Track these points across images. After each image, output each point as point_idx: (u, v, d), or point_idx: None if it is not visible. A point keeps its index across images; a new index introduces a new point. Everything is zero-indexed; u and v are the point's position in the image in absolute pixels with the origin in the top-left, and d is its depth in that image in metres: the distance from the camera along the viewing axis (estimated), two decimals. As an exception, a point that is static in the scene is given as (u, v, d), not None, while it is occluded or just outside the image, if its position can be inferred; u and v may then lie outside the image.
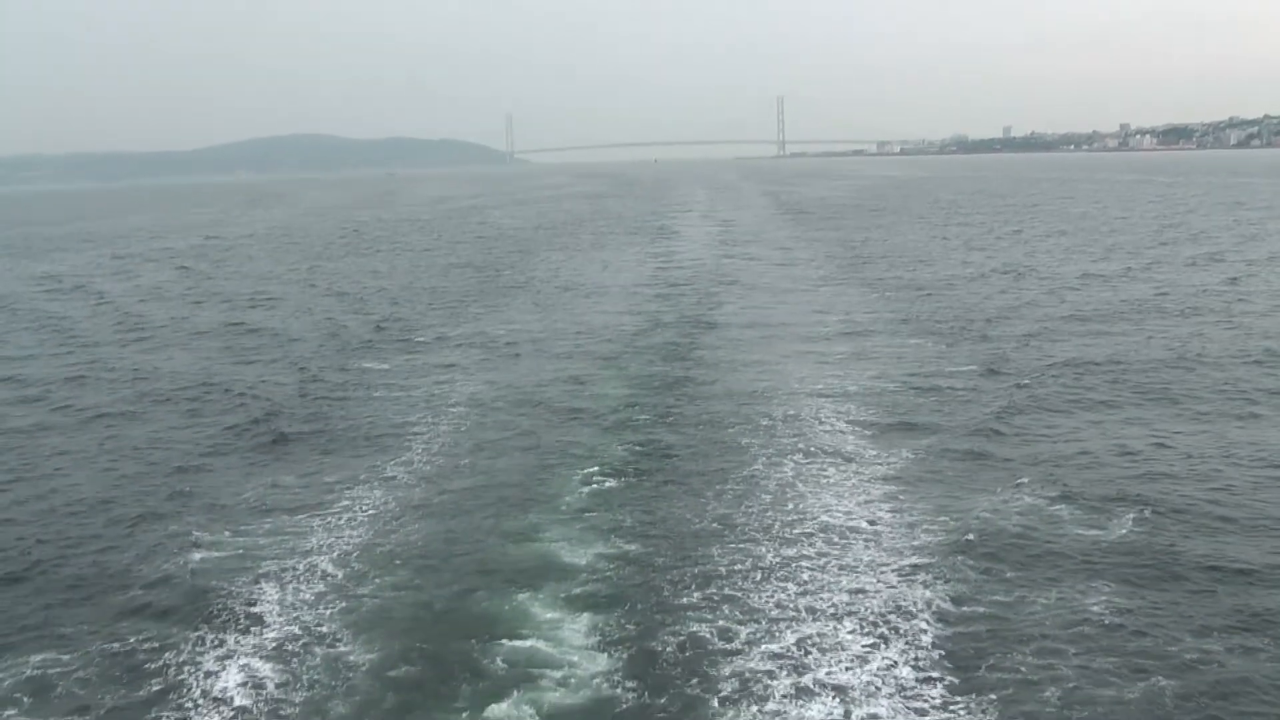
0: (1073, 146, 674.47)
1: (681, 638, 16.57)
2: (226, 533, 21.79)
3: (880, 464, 25.08)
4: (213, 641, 16.84)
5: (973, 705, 14.53)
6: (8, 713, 15.01)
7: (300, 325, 50.24)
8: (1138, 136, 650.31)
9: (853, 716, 14.34)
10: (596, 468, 25.39)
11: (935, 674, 15.32)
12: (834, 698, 14.75)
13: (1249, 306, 46.31)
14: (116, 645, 16.81)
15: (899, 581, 18.32)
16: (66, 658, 16.46)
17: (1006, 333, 41.74)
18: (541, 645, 16.49)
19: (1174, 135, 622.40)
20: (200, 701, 15.02)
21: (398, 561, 20.13)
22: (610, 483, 24.42)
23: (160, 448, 28.77)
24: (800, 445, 26.49)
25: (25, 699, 15.32)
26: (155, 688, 15.53)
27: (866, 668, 15.49)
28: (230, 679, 15.55)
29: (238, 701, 15.03)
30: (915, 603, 17.47)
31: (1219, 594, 17.61)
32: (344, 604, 18.14)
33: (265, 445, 28.72)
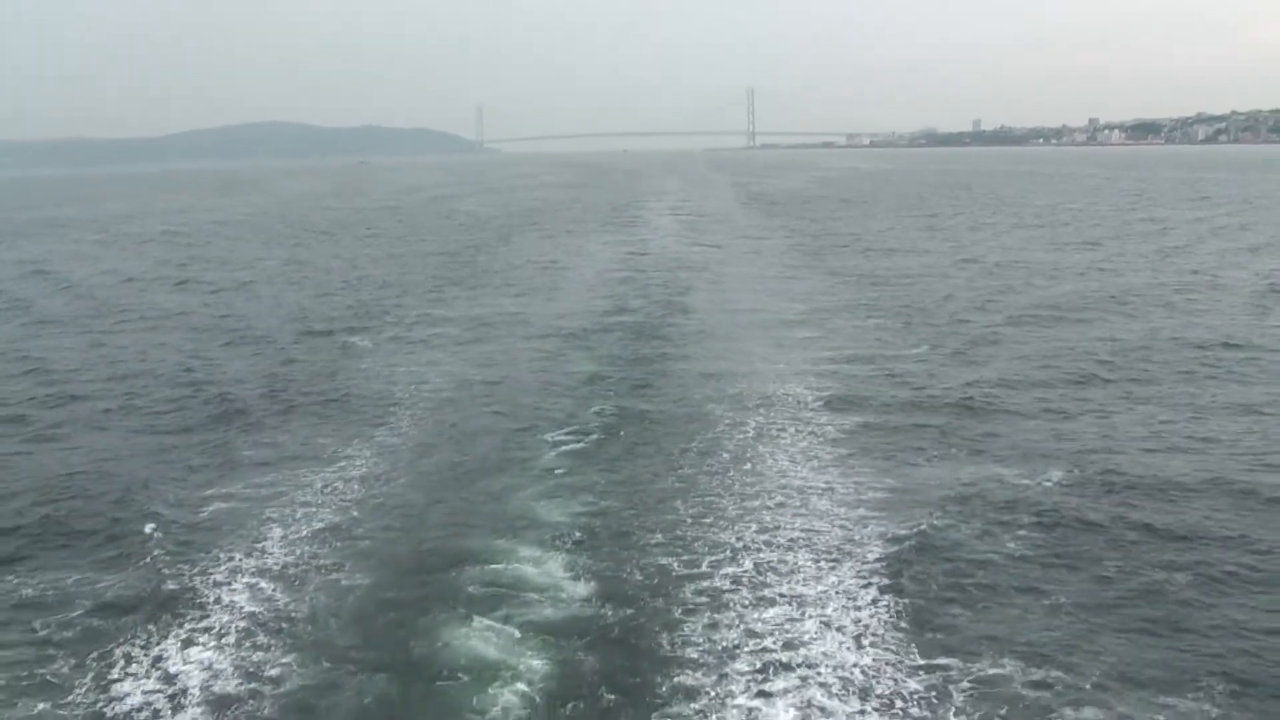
0: (1042, 141, 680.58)
1: (650, 569, 18.65)
2: (222, 500, 23.34)
3: (833, 430, 27.18)
4: (216, 578, 18.68)
5: (909, 607, 16.93)
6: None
7: (281, 308, 51.92)
8: (1106, 131, 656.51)
9: (806, 617, 16.58)
10: (569, 433, 27.42)
11: (876, 583, 17.85)
12: (789, 604, 17.08)
13: (1205, 295, 48.57)
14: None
15: (850, 524, 20.47)
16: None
17: (963, 315, 44.04)
18: (524, 573, 18.58)
19: (1142, 130, 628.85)
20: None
21: (387, 513, 22.03)
22: (582, 444, 26.47)
23: (136, 433, 29.27)
24: (762, 415, 28.58)
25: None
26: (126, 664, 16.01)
27: (819, 583, 17.83)
28: (239, 596, 17.78)
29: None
30: (864, 537, 19.75)
31: (1166, 554, 18.97)
32: (339, 545, 20.16)
33: (252, 415, 30.54)
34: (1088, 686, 14.68)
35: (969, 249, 70.67)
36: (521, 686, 14.90)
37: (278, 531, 20.86)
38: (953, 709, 14.13)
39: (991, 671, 14.97)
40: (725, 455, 25.10)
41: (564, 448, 26.26)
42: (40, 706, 14.86)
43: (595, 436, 27.17)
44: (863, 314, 44.93)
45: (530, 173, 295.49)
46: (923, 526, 20.10)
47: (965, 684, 14.66)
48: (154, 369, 37.71)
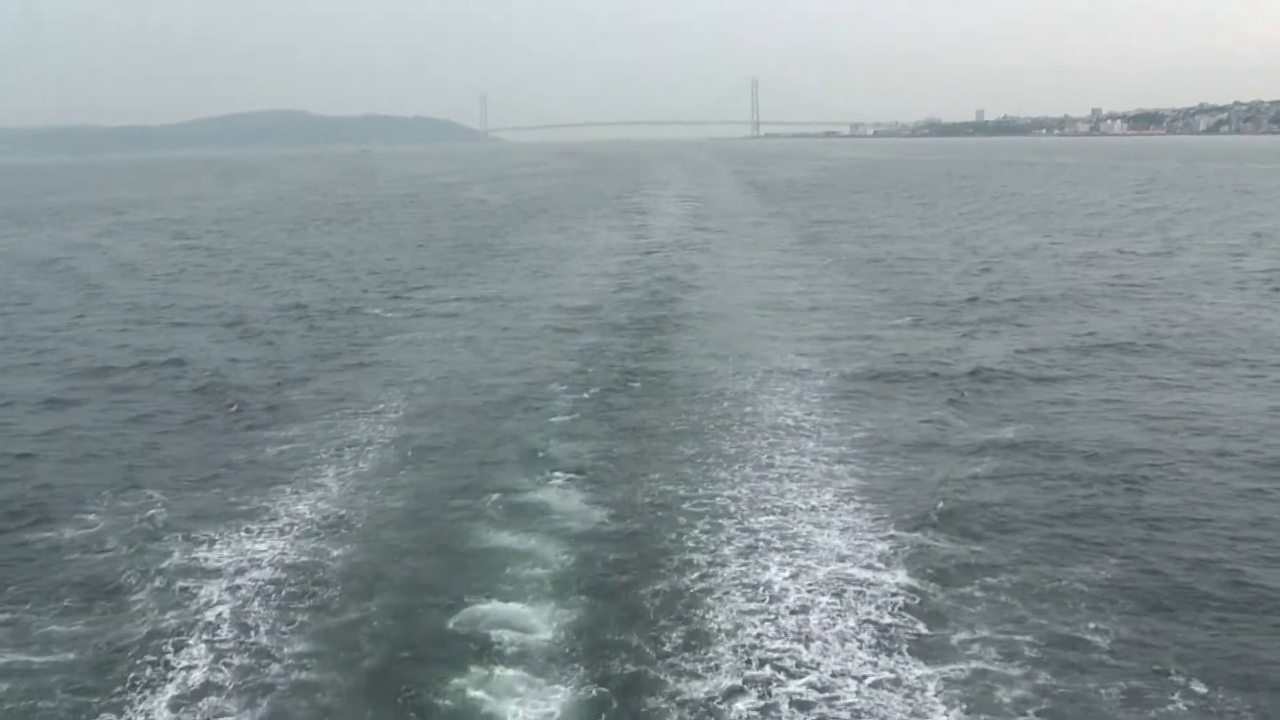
0: (1045, 131, 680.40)
1: (654, 493, 21.92)
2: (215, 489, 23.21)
3: (824, 387, 30.07)
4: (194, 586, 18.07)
5: (883, 520, 19.89)
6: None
7: (299, 290, 54.71)
8: (1109, 121, 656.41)
9: (795, 519, 19.90)
10: (580, 390, 30.44)
11: (858, 500, 21.17)
12: (781, 514, 20.48)
13: (1206, 286, 48.96)
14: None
15: (837, 468, 23.32)
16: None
17: (954, 295, 46.84)
18: (536, 498, 21.78)
19: (1144, 120, 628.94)
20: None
21: (392, 484, 23.38)
22: (590, 400, 29.50)
23: (143, 419, 29.35)
24: (760, 386, 31.40)
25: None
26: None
27: (806, 501, 21.12)
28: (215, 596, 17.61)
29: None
30: (847, 474, 22.71)
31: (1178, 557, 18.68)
32: (341, 524, 21.26)
33: (269, 388, 32.49)
34: (1094, 669, 14.96)
35: (966, 235, 73.46)
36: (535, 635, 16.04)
37: (291, 502, 22.12)
38: (949, 690, 14.41)
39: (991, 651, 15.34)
40: (725, 403, 28.50)
41: (573, 401, 29.44)
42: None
43: (601, 393, 30.18)
44: (855, 293, 47.68)
45: (535, 161, 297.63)
46: (925, 502, 21.57)
47: (960, 664, 15.00)
48: (180, 352, 39.33)
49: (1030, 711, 13.94)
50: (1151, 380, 30.93)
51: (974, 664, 15.06)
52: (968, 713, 13.89)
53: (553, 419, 27.66)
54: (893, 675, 14.76)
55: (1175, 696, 14.21)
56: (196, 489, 23.34)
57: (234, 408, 29.73)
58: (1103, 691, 14.37)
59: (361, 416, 28.56)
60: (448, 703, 14.54)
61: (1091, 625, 16.12)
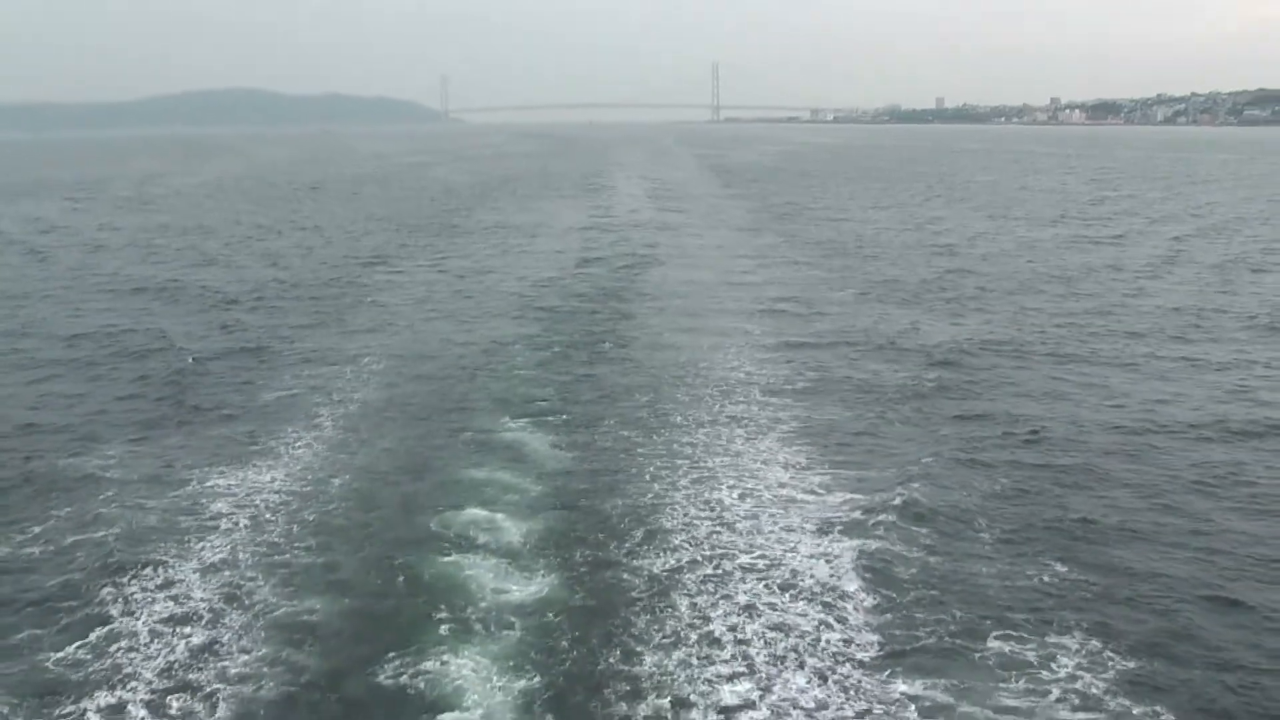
0: (1003, 119, 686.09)
1: (614, 434, 25.03)
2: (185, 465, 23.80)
3: (772, 348, 33.23)
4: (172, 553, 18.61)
5: (819, 457, 22.67)
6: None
7: (262, 268, 57.21)
8: (1067, 111, 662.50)
9: (744, 458, 22.79)
10: (545, 354, 33.35)
11: (799, 443, 24.11)
12: (734, 456, 23.30)
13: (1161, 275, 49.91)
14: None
15: (781, 414, 26.39)
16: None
17: (902, 277, 50.05)
18: (506, 436, 24.73)
19: (1103, 110, 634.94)
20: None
21: (379, 423, 26.31)
22: (556, 360, 32.42)
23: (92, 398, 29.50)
24: (712, 352, 34.30)
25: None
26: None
27: (753, 444, 24.17)
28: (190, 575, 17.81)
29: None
30: (789, 419, 25.72)
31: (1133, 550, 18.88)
32: (337, 455, 24.78)
33: (246, 351, 34.54)
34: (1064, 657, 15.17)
35: (919, 218, 77.01)
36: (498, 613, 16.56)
37: (291, 440, 24.73)
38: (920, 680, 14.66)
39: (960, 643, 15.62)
40: (679, 363, 31.52)
41: (539, 358, 32.53)
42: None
43: (565, 352, 33.23)
44: (807, 269, 50.87)
45: (497, 143, 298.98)
46: (856, 440, 24.92)
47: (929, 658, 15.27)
48: (180, 320, 41.67)
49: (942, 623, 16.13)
50: (1101, 360, 32.54)
51: (885, 563, 18.18)
52: (874, 597, 17.00)
53: (520, 372, 30.85)
54: (825, 552, 18.40)
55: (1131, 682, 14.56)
56: (210, 428, 26.27)
57: (228, 368, 32.40)
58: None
59: (348, 368, 31.55)
60: (437, 583, 17.50)
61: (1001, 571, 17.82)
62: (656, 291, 44.09)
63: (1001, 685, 14.48)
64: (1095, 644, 15.40)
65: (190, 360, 33.01)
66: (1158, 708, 13.92)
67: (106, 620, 16.42)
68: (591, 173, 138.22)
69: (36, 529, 19.93)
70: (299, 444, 24.69)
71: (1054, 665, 14.93)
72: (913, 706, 14.02)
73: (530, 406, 27.30)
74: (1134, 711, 13.85)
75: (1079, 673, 14.72)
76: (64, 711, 14.27)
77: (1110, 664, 14.93)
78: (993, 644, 15.53)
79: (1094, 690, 14.32)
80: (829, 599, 16.80)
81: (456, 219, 77.07)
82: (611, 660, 15.18)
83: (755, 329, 36.39)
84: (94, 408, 28.30)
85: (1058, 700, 14.12)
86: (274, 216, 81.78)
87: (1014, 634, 15.78)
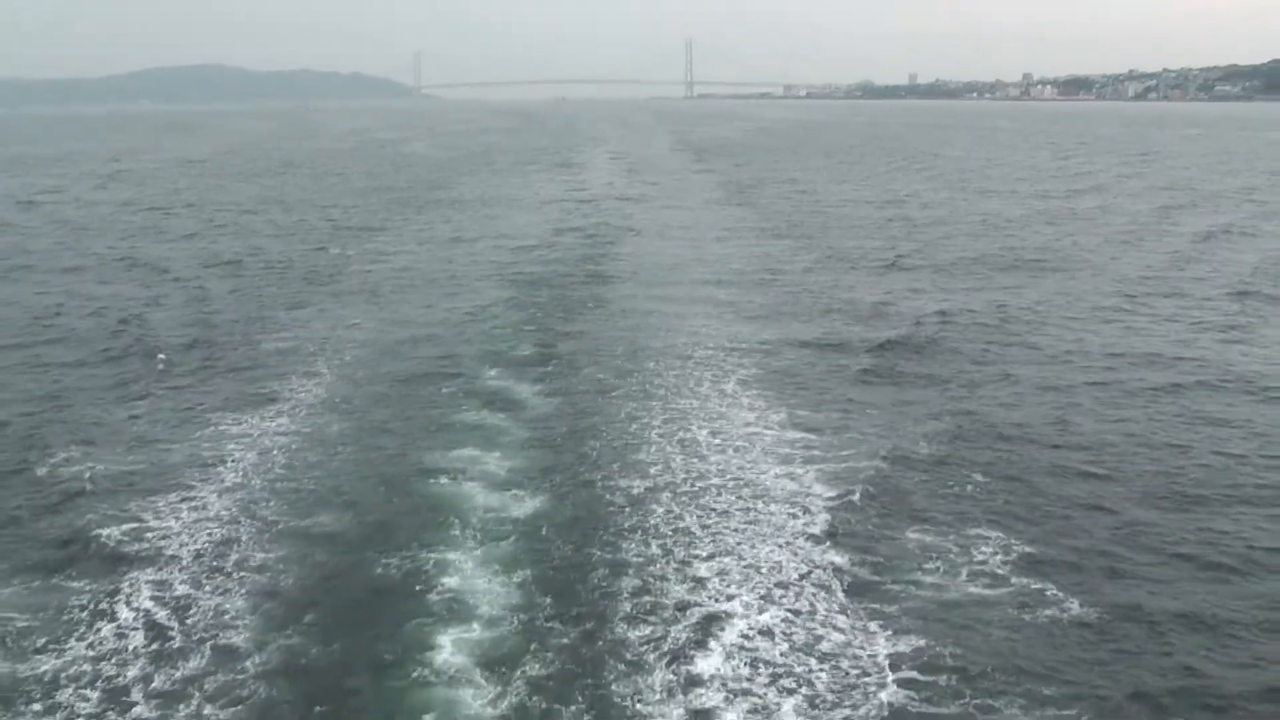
0: (976, 95, 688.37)
1: (591, 379, 27.50)
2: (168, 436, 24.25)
3: (738, 304, 35.68)
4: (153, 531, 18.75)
5: (780, 399, 25.06)
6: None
7: (263, 232, 59.39)
8: (1039, 86, 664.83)
9: (710, 401, 25.22)
10: (524, 312, 35.77)
11: (758, 387, 26.48)
12: (700, 399, 25.70)
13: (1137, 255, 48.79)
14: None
15: (744, 361, 28.80)
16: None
17: (871, 250, 52.61)
18: (488, 385, 27.03)
19: (1074, 86, 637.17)
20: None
21: (371, 375, 28.55)
22: (535, 317, 34.84)
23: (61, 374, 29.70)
24: (680, 319, 36.29)
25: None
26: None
27: (719, 387, 26.73)
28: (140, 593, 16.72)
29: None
30: (752, 366, 28.19)
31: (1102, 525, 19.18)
32: (323, 421, 25.71)
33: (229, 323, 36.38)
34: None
35: (886, 191, 79.63)
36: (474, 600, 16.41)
37: (294, 390, 26.86)
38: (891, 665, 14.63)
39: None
40: (651, 320, 34.00)
41: (519, 315, 35.08)
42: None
43: (543, 311, 35.69)
44: (772, 237, 53.42)
45: (471, 119, 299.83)
46: (816, 383, 27.41)
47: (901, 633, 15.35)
48: (180, 288, 43.37)
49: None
50: (1071, 329, 33.78)
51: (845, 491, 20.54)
52: (831, 499, 19.42)
53: (504, 330, 33.33)
54: (789, 472, 21.08)
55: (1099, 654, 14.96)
56: (220, 378, 28.60)
57: (232, 328, 34.63)
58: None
59: (340, 329, 33.81)
60: (435, 502, 19.75)
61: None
62: (631, 258, 46.56)
63: (921, 566, 17.14)
64: (999, 536, 18.17)
65: (200, 316, 35.88)
66: (1047, 585, 16.55)
67: (141, 524, 18.86)
68: (567, 147, 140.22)
69: (79, 457, 22.26)
70: (301, 391, 26.97)
71: (971, 553, 17.57)
72: (846, 575, 16.87)
73: (514, 357, 29.83)
74: (1032, 587, 16.48)
75: (987, 558, 17.37)
76: (116, 585, 16.65)
77: (1013, 551, 17.62)
78: (913, 535, 18.28)
79: (999, 571, 16.99)
80: (793, 502, 19.51)
81: (432, 195, 78.82)
82: (595, 552, 17.58)
83: (721, 292, 38.86)
84: (107, 369, 30.38)
85: (966, 580, 16.75)
86: (250, 194, 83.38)
87: (932, 528, 18.52)
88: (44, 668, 14.61)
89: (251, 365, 29.69)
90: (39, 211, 70.22)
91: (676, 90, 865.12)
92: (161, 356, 30.50)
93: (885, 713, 13.44)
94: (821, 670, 14.28)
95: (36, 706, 13.81)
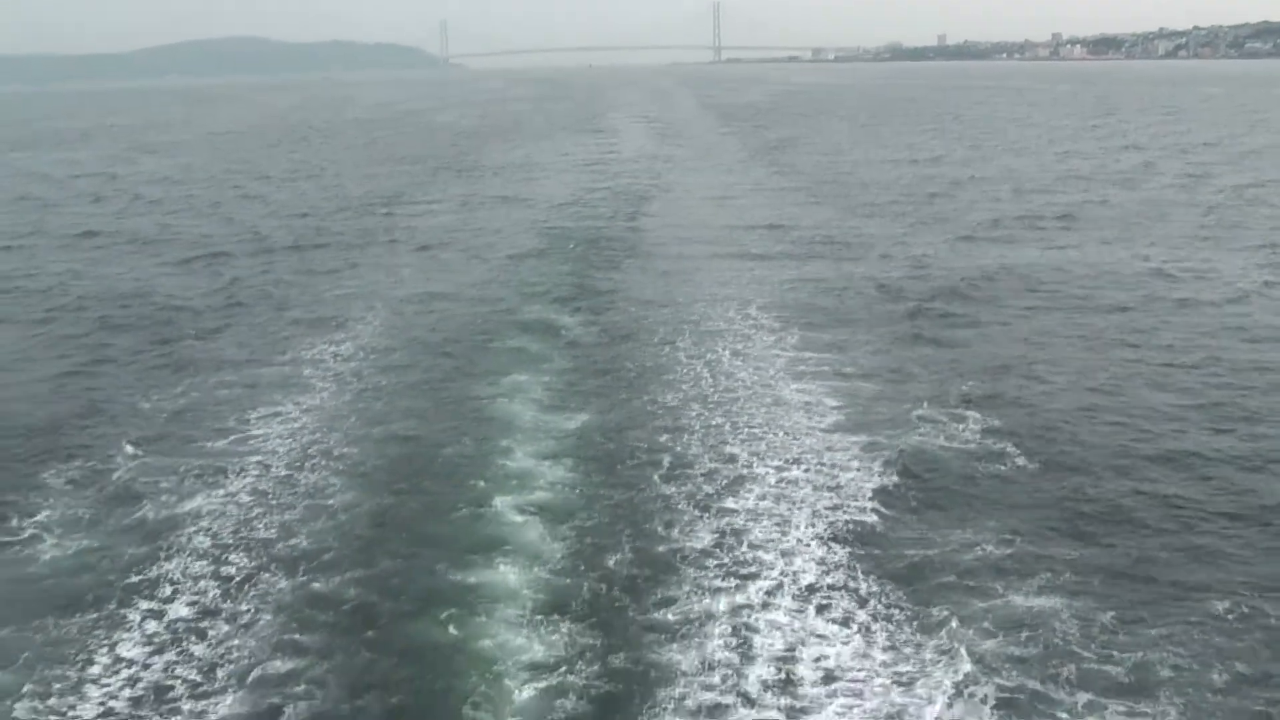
0: (1005, 55, 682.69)
1: (632, 355, 29.13)
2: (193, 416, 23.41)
3: (771, 276, 37.87)
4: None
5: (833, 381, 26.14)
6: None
7: (298, 203, 62.04)
8: (1069, 46, 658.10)
9: (737, 343, 27.30)
10: (550, 297, 33.89)
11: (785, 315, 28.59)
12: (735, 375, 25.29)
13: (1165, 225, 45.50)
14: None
15: (785, 335, 30.83)
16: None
17: (898, 211, 54.61)
18: (533, 346, 27.72)
19: (1104, 45, 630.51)
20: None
21: (414, 328, 30.16)
22: (569, 286, 34.97)
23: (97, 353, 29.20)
24: (718, 290, 33.66)
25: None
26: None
27: (736, 317, 29.24)
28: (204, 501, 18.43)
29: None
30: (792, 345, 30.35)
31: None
32: (381, 347, 29.19)
33: (255, 304, 34.12)
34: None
35: (915, 154, 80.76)
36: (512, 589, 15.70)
37: (259, 439, 22.06)
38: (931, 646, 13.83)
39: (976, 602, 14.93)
40: (687, 291, 34.27)
41: (553, 285, 35.64)
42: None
43: (579, 281, 35.90)
44: (804, 197, 55.43)
45: (498, 88, 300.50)
46: (860, 361, 25.47)
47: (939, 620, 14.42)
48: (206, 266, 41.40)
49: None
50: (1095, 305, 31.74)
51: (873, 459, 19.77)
52: (850, 416, 21.56)
53: (540, 276, 36.17)
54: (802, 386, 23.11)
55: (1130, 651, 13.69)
56: (293, 312, 31.56)
57: (263, 300, 34.53)
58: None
59: (393, 276, 36.86)
60: (489, 418, 22.15)
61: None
62: (660, 215, 48.96)
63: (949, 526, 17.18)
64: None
65: (266, 265, 39.81)
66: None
67: (216, 473, 19.77)
68: (594, 114, 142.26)
69: (180, 392, 24.82)
70: (362, 323, 30.04)
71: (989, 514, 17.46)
72: (871, 494, 17.99)
73: (554, 294, 33.02)
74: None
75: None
76: (195, 504, 18.34)
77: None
78: (937, 485, 18.70)
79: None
80: (809, 414, 21.69)
81: (467, 159, 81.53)
82: (636, 461, 19.75)
83: (749, 239, 41.54)
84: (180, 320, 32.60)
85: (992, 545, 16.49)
86: (291, 161, 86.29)
87: (976, 504, 18.00)
88: (92, 616, 15.07)
89: (318, 303, 32.92)
90: (114, 184, 70.65)
91: (704, 55, 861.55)
92: (241, 298, 34.22)
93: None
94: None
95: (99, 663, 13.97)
